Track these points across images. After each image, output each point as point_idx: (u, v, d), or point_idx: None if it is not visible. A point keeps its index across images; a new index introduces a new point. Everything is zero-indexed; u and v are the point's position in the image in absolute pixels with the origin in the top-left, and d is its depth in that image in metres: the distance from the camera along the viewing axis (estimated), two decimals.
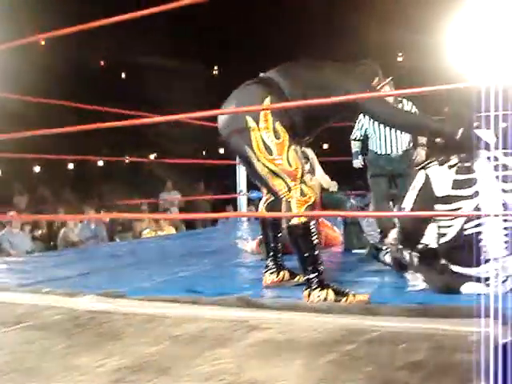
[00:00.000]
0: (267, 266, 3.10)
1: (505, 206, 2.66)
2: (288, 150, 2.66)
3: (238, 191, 7.46)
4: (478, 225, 2.65)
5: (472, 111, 2.70)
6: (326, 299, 2.51)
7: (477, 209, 2.68)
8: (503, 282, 2.59)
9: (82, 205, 10.12)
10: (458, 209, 2.71)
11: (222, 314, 1.66)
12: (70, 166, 18.93)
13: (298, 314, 1.56)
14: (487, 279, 2.59)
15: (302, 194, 2.64)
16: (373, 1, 16.86)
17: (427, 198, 2.81)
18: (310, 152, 4.95)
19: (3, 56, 3.84)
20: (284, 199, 2.70)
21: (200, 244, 5.67)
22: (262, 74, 2.92)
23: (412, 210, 2.86)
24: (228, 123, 2.79)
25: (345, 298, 2.51)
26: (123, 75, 22.10)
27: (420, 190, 2.85)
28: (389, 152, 4.97)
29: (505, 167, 2.76)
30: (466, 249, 2.63)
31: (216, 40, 20.53)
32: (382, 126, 4.85)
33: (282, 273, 3.07)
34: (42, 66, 16.85)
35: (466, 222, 2.69)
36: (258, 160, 2.69)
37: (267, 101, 2.68)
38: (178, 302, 1.83)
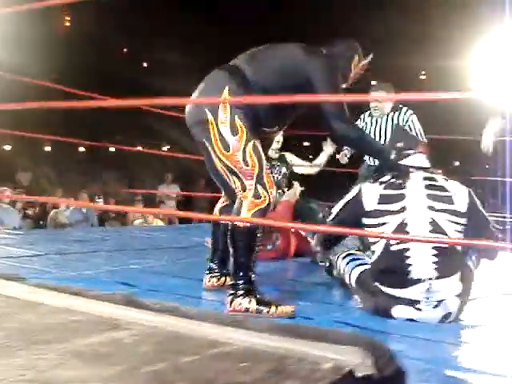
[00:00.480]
0: (210, 269, 2.99)
1: (433, 224, 2.54)
2: (245, 147, 2.49)
3: None
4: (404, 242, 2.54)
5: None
6: (247, 309, 2.41)
7: (403, 224, 2.56)
8: (434, 307, 2.43)
9: (82, 189, 10.10)
10: (384, 223, 2.60)
11: (97, 308, 1.57)
12: (81, 149, 18.94)
13: (172, 319, 1.45)
14: (417, 303, 2.44)
15: (256, 195, 2.48)
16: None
17: (357, 209, 2.71)
18: (289, 156, 4.87)
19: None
20: (239, 198, 2.58)
21: (178, 239, 5.60)
22: (231, 62, 2.77)
23: (337, 215, 2.84)
24: (191, 114, 2.67)
25: (267, 309, 2.40)
26: (145, 64, 22.08)
27: (350, 200, 2.79)
28: None
29: (440, 188, 2.65)
30: (393, 268, 2.50)
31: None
32: (381, 136, 4.68)
33: (223, 278, 2.95)
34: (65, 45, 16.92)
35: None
36: (216, 155, 2.56)
37: (226, 90, 2.53)
38: (65, 292, 1.74)
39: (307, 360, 1.23)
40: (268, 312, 2.39)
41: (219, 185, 2.87)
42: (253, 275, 2.50)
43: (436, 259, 2.45)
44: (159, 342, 1.32)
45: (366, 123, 4.78)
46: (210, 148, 2.57)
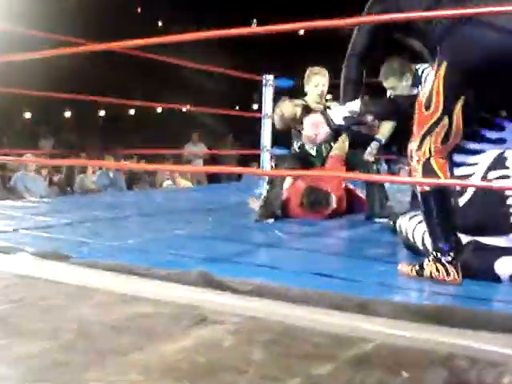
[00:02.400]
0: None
1: None
2: None
3: (261, 147, 7.00)
4: (505, 176, 2.19)
5: None
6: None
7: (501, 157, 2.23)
8: None
9: (106, 152, 9.80)
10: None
11: (170, 294, 1.23)
12: (102, 113, 18.58)
13: (272, 305, 1.11)
14: None
15: None
16: None
17: None
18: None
19: None
20: None
21: (212, 199, 5.26)
22: None
23: None
24: None
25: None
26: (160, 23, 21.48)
27: None
28: None
29: None
30: (491, 211, 2.15)
31: None
32: None
33: None
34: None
35: (489, 169, 2.24)
36: None
37: None
38: (123, 271, 1.40)
39: (484, 361, 0.87)
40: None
41: None
42: None
43: None
44: (271, 341, 0.97)
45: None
46: None
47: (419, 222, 2.42)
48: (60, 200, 6.13)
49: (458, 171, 2.28)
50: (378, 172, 4.01)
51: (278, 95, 6.80)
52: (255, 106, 17.43)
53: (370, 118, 2.37)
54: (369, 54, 2.38)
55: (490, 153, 2.27)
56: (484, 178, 2.24)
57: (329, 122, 2.39)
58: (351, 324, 1.04)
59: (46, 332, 1.08)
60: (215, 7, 17.77)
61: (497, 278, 2.11)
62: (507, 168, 2.21)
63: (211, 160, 11.19)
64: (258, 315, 1.10)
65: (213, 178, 10.58)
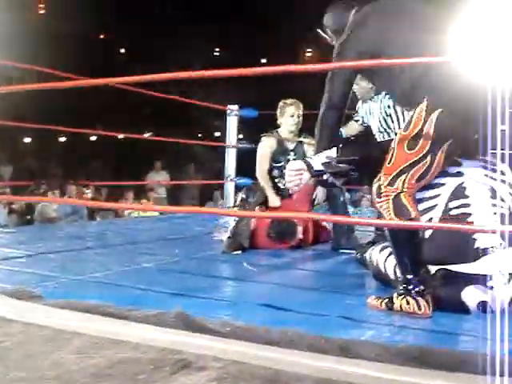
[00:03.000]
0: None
1: (492, 191, 2.28)
2: None
3: (225, 177, 7.01)
4: (465, 205, 2.25)
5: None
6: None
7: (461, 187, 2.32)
8: (506, 282, 2.10)
9: (68, 180, 9.67)
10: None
11: (149, 337, 1.22)
12: (62, 139, 18.36)
13: (254, 349, 1.10)
14: (488, 279, 2.11)
15: None
16: None
17: None
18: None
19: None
20: None
21: (178, 230, 5.23)
22: None
23: None
24: None
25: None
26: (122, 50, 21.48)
27: None
28: None
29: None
30: (455, 238, 2.20)
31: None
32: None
33: None
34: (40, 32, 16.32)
35: (450, 200, 2.31)
36: None
37: None
38: (99, 313, 1.38)
39: None
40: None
41: None
42: None
43: (500, 225, 2.14)
44: None
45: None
46: None
47: (390, 254, 2.46)
48: (21, 230, 6.00)
49: (421, 205, 2.34)
50: (345, 204, 4.04)
51: (243, 125, 6.87)
52: (217, 134, 17.53)
53: (345, 167, 2.41)
54: (346, 102, 2.44)
55: (450, 184, 2.34)
56: (446, 207, 2.30)
57: (310, 168, 2.43)
58: (337, 368, 1.05)
59: (28, 381, 1.06)
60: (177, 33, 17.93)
61: (465, 308, 2.15)
62: (467, 197, 2.28)
63: (174, 188, 11.17)
64: (240, 359, 1.10)
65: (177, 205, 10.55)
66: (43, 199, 8.26)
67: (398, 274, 2.33)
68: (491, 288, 2.12)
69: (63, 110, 13.13)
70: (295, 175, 2.46)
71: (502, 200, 2.28)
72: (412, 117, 2.21)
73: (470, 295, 2.14)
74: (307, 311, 2.16)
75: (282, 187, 4.14)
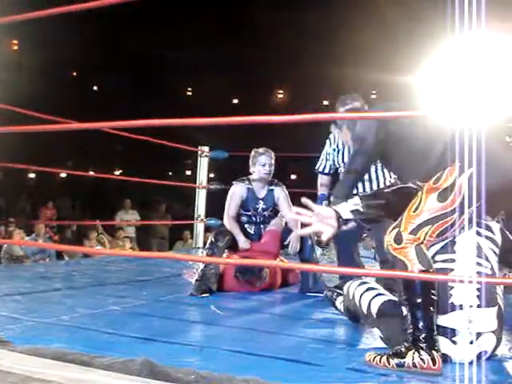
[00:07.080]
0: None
1: (479, 248, 2.31)
2: None
3: (195, 217, 7.04)
4: (451, 260, 2.29)
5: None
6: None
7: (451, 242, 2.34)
8: (471, 342, 2.16)
9: (36, 218, 9.58)
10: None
11: None
12: (31, 175, 18.24)
13: None
14: (454, 334, 2.17)
15: None
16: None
17: None
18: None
19: None
20: None
21: (148, 271, 5.22)
22: None
23: None
24: None
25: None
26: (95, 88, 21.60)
27: None
28: None
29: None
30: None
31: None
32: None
33: None
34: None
35: (436, 253, 2.33)
36: None
37: None
38: (67, 360, 1.41)
39: None
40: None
41: None
42: None
43: (479, 286, 2.20)
44: None
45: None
46: None
47: (367, 289, 2.52)
48: None
49: None
50: (312, 246, 4.11)
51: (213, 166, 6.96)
52: (188, 172, 17.60)
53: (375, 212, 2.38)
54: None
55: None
56: (433, 259, 2.29)
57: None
58: None
59: None
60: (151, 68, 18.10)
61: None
62: (454, 252, 2.29)
63: (143, 227, 11.13)
64: None
65: (145, 246, 10.53)
66: (8, 242, 8.17)
67: (372, 309, 2.40)
68: (455, 343, 2.17)
69: (34, 146, 13.07)
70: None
71: (487, 260, 2.31)
72: (442, 173, 2.25)
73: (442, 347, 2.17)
74: (272, 355, 2.21)
75: (251, 232, 4.22)
